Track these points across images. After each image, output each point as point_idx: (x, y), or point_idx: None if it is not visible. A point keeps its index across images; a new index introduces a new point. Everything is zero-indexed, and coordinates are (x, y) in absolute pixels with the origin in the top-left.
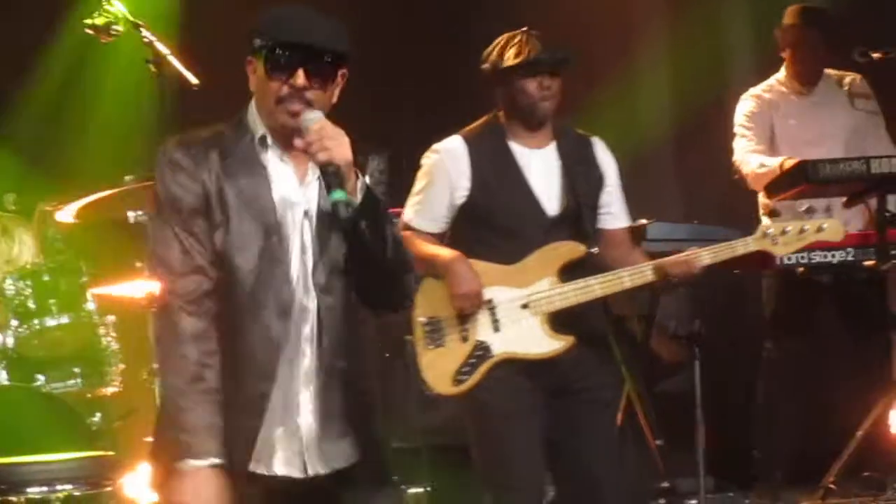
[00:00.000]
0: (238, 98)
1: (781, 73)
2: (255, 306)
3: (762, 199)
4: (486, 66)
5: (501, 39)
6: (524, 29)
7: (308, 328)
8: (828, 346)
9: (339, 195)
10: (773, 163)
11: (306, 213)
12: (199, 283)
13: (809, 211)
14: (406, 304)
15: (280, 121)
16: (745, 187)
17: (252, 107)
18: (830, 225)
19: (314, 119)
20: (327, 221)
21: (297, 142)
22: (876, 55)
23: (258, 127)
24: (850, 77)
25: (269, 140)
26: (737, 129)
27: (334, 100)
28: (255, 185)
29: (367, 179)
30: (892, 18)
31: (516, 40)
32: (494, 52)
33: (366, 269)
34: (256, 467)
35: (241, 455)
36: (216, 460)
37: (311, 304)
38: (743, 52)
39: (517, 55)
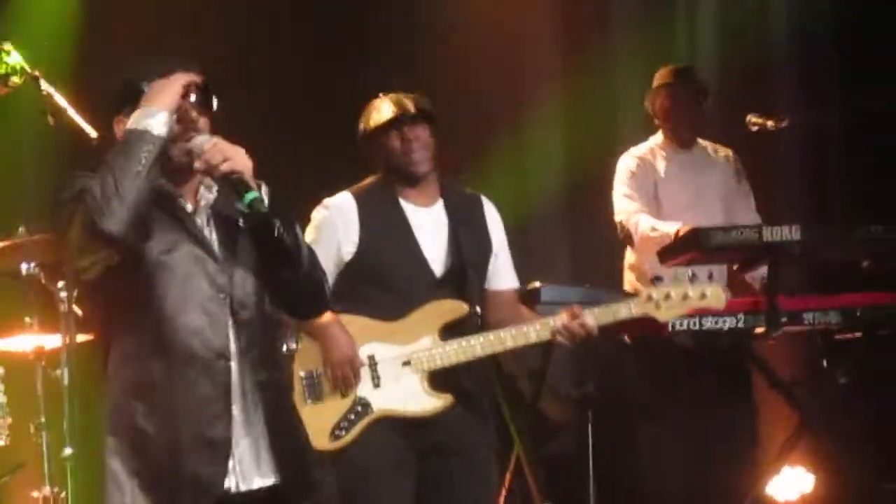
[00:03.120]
0: None
1: (658, 137)
2: (172, 329)
3: (630, 259)
4: (358, 134)
5: (367, 107)
6: (384, 93)
7: (226, 343)
8: (716, 411)
9: (252, 194)
10: (666, 228)
11: (205, 237)
12: None
13: (693, 278)
14: (326, 306)
15: (175, 158)
16: (631, 246)
17: None
18: (713, 291)
19: (206, 139)
20: (235, 237)
21: (198, 165)
22: (768, 123)
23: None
24: (722, 149)
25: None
26: (618, 188)
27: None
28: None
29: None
30: (778, 87)
31: (373, 106)
32: (361, 120)
33: (285, 275)
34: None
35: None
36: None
37: (228, 319)
38: (635, 116)
39: (378, 116)
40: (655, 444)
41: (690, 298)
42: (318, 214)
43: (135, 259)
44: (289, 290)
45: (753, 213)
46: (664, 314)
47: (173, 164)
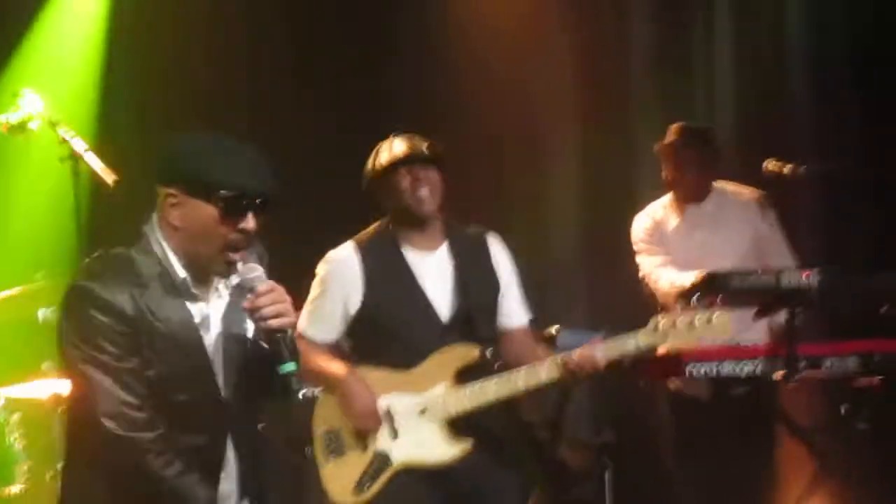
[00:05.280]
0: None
1: (669, 195)
2: (187, 431)
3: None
4: (365, 176)
5: (377, 147)
6: (391, 135)
7: (223, 436)
8: (733, 456)
9: (290, 367)
10: (683, 280)
11: (215, 338)
12: (149, 424)
13: (700, 304)
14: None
15: (218, 267)
16: (656, 301)
17: (157, 235)
18: (719, 319)
19: (259, 277)
20: (232, 343)
21: (245, 303)
22: (785, 169)
23: (173, 262)
24: (748, 192)
25: (189, 280)
26: (638, 247)
27: None
28: (178, 321)
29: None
30: (806, 129)
31: (384, 145)
32: (371, 159)
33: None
34: None
35: None
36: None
37: (224, 418)
38: (651, 162)
39: (390, 154)
40: (675, 491)
41: (696, 328)
42: (322, 269)
43: None
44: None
45: (787, 256)
46: (671, 343)
47: (212, 269)
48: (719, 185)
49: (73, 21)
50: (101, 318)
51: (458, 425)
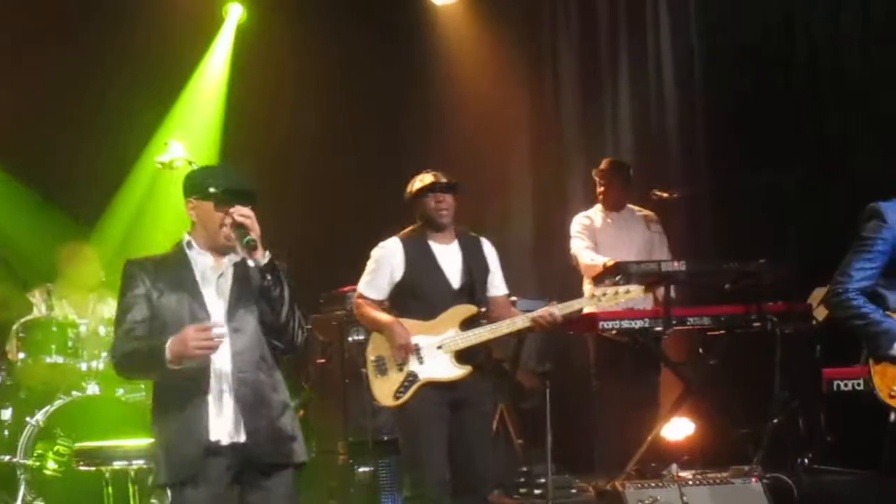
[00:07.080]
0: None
1: (598, 205)
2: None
3: (586, 284)
4: (405, 195)
5: (413, 179)
6: (426, 170)
7: (224, 351)
8: (629, 382)
9: (249, 238)
10: (600, 260)
11: (221, 282)
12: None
13: (619, 281)
14: (291, 353)
15: (224, 235)
16: (579, 271)
17: (188, 234)
18: (634, 289)
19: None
20: (243, 287)
21: (227, 221)
22: (665, 195)
23: (187, 238)
24: (646, 211)
25: (194, 244)
26: (573, 234)
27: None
28: (180, 274)
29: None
30: (678, 167)
31: (421, 176)
32: (409, 186)
33: (268, 318)
34: (206, 438)
35: (198, 429)
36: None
37: (227, 337)
38: (580, 185)
39: (421, 183)
40: (591, 402)
41: (620, 293)
42: (377, 252)
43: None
44: (270, 329)
45: (666, 253)
46: (605, 304)
47: (220, 241)
48: (630, 205)
49: (205, 91)
50: (125, 283)
51: (462, 356)
